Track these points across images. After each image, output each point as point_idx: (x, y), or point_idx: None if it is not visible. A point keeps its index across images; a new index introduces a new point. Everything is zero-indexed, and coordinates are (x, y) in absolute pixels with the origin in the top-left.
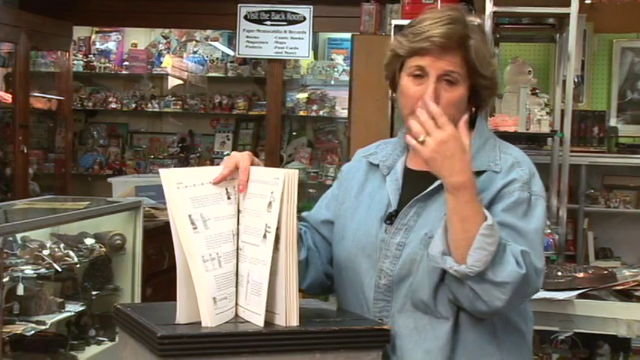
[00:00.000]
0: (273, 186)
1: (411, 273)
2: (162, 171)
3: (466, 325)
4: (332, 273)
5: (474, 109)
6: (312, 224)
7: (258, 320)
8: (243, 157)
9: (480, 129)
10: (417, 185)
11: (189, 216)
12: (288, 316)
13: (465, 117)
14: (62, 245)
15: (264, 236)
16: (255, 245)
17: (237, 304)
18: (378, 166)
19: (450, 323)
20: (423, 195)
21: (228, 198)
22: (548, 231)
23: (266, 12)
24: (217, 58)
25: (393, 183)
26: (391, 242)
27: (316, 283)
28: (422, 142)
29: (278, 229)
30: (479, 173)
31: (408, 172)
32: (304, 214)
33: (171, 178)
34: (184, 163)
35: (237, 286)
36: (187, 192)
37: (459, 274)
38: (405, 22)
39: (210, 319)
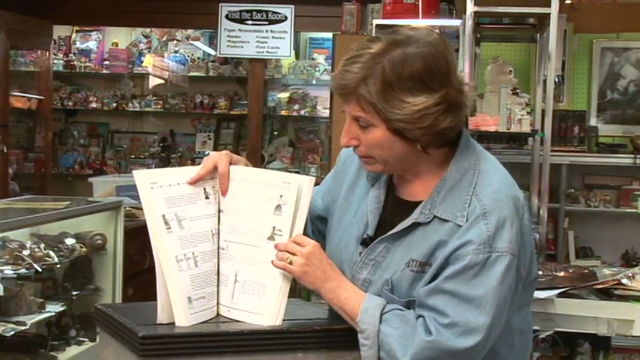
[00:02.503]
0: (282, 189)
1: None
2: (135, 172)
3: None
4: None
5: (420, 146)
6: (309, 215)
7: (260, 320)
8: (221, 157)
9: (459, 160)
10: (397, 213)
11: (163, 216)
12: (277, 317)
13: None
14: (42, 245)
15: (271, 238)
16: (255, 246)
17: (219, 303)
18: None
19: None
20: (390, 235)
21: (207, 198)
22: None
23: (247, 11)
24: (198, 58)
25: (374, 201)
26: (357, 277)
27: None
28: (290, 263)
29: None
30: (443, 220)
31: (391, 193)
32: None
33: (145, 179)
34: (165, 162)
35: (218, 286)
36: (161, 192)
37: None
38: (386, 21)
39: (185, 318)
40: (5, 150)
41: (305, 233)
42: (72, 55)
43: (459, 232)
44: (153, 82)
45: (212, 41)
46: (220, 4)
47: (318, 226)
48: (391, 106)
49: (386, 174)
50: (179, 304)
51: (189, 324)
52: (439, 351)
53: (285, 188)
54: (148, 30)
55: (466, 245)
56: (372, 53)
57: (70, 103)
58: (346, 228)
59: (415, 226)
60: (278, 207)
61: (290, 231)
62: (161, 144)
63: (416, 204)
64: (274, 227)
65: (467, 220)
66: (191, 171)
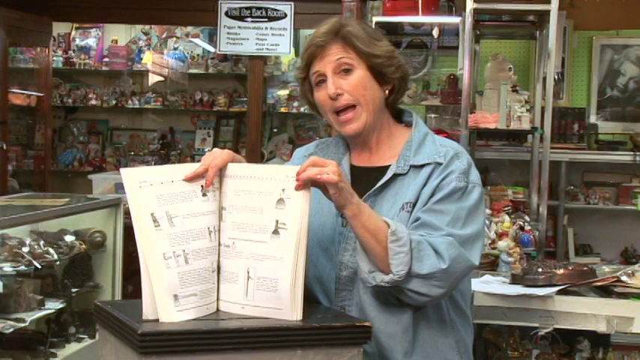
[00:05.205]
0: (284, 183)
1: None
2: (123, 170)
3: (425, 309)
4: None
5: (387, 91)
6: None
7: (280, 315)
8: (221, 154)
9: (418, 126)
10: (365, 180)
11: (152, 214)
12: (297, 311)
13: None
14: (42, 242)
15: (276, 232)
16: (261, 242)
17: (220, 299)
18: None
19: (411, 308)
20: (374, 189)
21: (204, 195)
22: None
23: (247, 8)
24: (198, 55)
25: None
26: (349, 236)
27: None
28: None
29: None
30: (423, 165)
31: (354, 169)
32: None
33: (133, 177)
34: (165, 159)
35: (218, 282)
36: (152, 190)
37: (391, 283)
38: (386, 19)
39: (170, 315)
40: (5, 147)
41: None
42: (71, 52)
43: (441, 168)
44: (152, 79)
45: (212, 38)
46: (220, 1)
47: None
48: (367, 43)
49: (356, 143)
50: (162, 300)
51: (175, 320)
52: (458, 250)
53: (288, 182)
54: (147, 27)
55: (450, 175)
56: (341, 18)
57: (70, 100)
58: (313, 214)
59: (394, 177)
60: (280, 200)
61: (299, 223)
62: (161, 141)
63: (381, 168)
64: (277, 221)
65: (445, 160)
66: (184, 168)
